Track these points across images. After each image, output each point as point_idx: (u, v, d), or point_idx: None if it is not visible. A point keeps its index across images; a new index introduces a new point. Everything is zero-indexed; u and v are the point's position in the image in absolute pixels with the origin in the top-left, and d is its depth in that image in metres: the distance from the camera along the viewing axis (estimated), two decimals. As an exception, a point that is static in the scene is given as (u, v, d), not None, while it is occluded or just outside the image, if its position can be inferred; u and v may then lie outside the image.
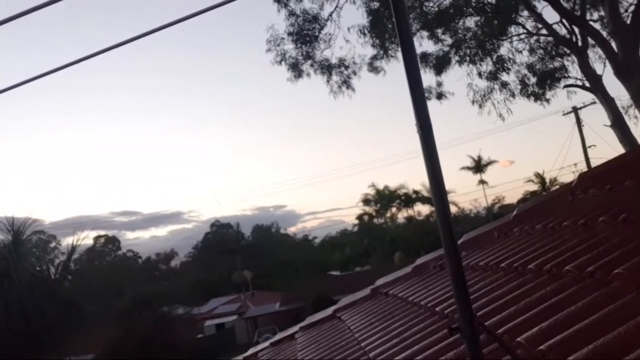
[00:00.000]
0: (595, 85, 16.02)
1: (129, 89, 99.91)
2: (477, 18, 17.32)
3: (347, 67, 18.06)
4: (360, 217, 57.63)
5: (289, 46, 17.62)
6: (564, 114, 32.99)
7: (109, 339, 25.23)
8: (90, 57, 3.65)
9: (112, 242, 71.31)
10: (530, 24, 17.70)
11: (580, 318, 2.25)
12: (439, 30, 17.42)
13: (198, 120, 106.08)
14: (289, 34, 17.39)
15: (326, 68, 17.87)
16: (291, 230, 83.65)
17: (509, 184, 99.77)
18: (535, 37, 17.90)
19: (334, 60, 17.92)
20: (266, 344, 6.77)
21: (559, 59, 17.90)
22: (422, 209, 56.42)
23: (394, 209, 56.97)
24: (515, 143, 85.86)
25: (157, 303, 30.35)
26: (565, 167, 49.52)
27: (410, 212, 57.14)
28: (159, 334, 27.00)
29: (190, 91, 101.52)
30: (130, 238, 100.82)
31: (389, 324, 4.11)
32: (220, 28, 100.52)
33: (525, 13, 17.14)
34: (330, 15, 17.33)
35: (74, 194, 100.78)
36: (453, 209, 52.21)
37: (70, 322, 20.83)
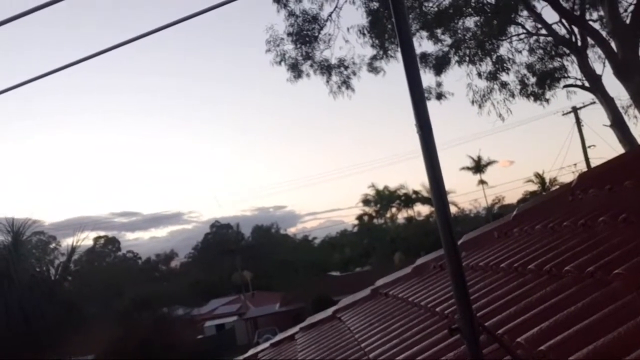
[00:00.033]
0: (594, 85, 16.03)
1: (128, 90, 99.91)
2: (477, 18, 17.33)
3: (346, 68, 18.08)
4: (360, 218, 57.67)
5: (289, 46, 17.65)
6: (563, 114, 33.03)
7: (109, 340, 25.21)
8: (90, 57, 3.65)
9: (112, 242, 71.32)
10: (529, 24, 17.72)
11: (581, 318, 2.25)
12: (439, 31, 17.43)
13: (198, 121, 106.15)
14: (289, 34, 17.41)
15: (326, 68, 17.87)
16: (291, 230, 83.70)
17: (509, 184, 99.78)
18: (534, 37, 17.91)
19: (333, 61, 17.95)
20: (266, 344, 6.77)
21: (559, 59, 17.91)
22: (422, 209, 56.51)
23: (393, 210, 57.03)
24: (515, 143, 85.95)
25: (157, 304, 30.35)
26: (565, 167, 49.65)
27: (410, 212, 57.21)
28: (159, 335, 26.99)
29: (190, 92, 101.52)
30: (130, 239, 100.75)
31: (389, 325, 4.11)
32: (220, 29, 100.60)
33: (525, 13, 17.15)
34: (330, 15, 17.35)
35: (74, 194, 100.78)
36: (453, 209, 52.21)
37: (70, 322, 20.84)
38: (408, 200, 56.18)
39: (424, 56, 17.85)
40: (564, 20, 16.46)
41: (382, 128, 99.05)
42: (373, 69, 18.30)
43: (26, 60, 73.62)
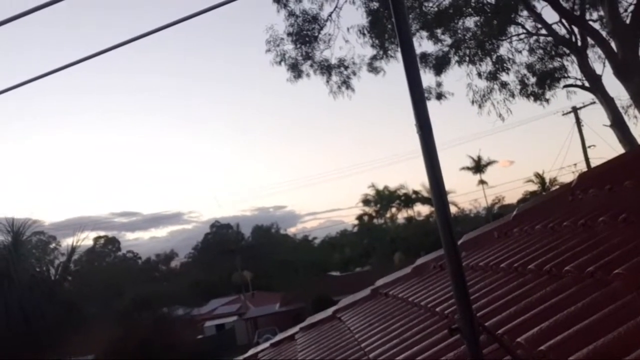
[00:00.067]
0: (594, 85, 16.03)
1: (128, 90, 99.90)
2: (477, 18, 17.33)
3: (346, 68, 18.08)
4: (360, 218, 57.69)
5: (289, 46, 17.65)
6: (563, 114, 33.02)
7: (109, 340, 25.22)
8: (90, 57, 3.65)
9: (112, 242, 71.30)
10: (529, 24, 17.72)
11: (581, 318, 2.25)
12: (439, 31, 17.43)
13: (198, 121, 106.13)
14: (289, 34, 17.41)
15: (326, 68, 17.87)
16: (291, 230, 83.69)
17: (509, 184, 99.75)
18: (534, 37, 17.91)
19: (333, 61, 17.95)
20: (266, 344, 6.77)
21: (559, 59, 17.91)
22: (422, 209, 56.52)
23: (393, 210, 57.04)
24: (514, 143, 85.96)
25: (157, 304, 30.35)
26: (565, 167, 49.64)
27: (410, 212, 57.22)
28: (159, 335, 27.00)
29: (189, 91, 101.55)
30: (130, 239, 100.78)
31: (389, 325, 4.11)
32: (220, 28, 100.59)
33: (525, 13, 17.15)
34: (330, 15, 17.35)
35: (74, 194, 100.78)
36: (453, 209, 52.21)
37: (71, 322, 20.84)
38: (408, 200, 56.19)
39: (424, 56, 17.85)
40: (564, 20, 16.46)
41: (382, 128, 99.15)
42: (373, 69, 18.31)
43: (25, 60, 73.64)
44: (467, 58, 17.75)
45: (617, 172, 4.31)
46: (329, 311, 6.18)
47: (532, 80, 17.98)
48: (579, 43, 16.38)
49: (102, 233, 69.43)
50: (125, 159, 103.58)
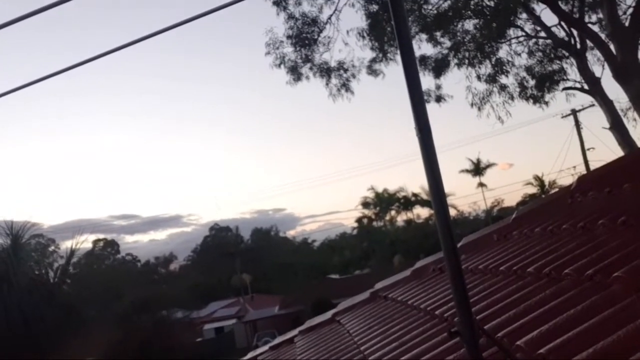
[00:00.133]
0: (594, 87, 16.05)
1: (128, 92, 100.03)
2: (476, 21, 17.34)
3: (346, 70, 18.09)
4: (359, 220, 57.72)
5: (288, 49, 17.67)
6: (562, 117, 33.03)
7: (108, 343, 25.15)
8: (89, 60, 3.65)
9: (111, 245, 71.24)
10: (528, 27, 17.75)
11: (580, 321, 2.25)
12: (438, 33, 17.45)
13: (197, 123, 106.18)
14: (288, 37, 17.42)
15: (325, 71, 17.88)
16: (290, 233, 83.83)
17: (508, 187, 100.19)
18: (534, 40, 17.93)
19: (333, 63, 17.96)
20: (265, 347, 6.76)
21: (558, 62, 17.92)
22: (422, 212, 56.53)
23: (393, 212, 57.06)
24: (514, 146, 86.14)
25: (156, 307, 30.27)
26: (564, 170, 49.55)
27: (409, 215, 57.23)
28: (158, 338, 26.94)
29: (189, 94, 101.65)
30: (129, 242, 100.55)
31: (389, 328, 4.10)
32: (220, 31, 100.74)
33: (524, 16, 17.18)
34: (329, 18, 17.37)
35: (73, 197, 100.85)
36: (452, 212, 52.20)
37: (70, 325, 20.79)
38: (407, 202, 56.21)
39: (423, 59, 17.87)
40: (563, 23, 16.49)
41: (381, 130, 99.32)
42: (372, 71, 18.33)
43: (25, 63, 73.70)
44: (467, 61, 17.76)
45: (616, 175, 4.31)
46: (328, 314, 6.17)
47: (532, 82, 18.00)
48: (578, 46, 16.40)
49: (101, 236, 69.48)
50: (125, 162, 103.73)
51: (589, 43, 16.22)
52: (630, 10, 14.95)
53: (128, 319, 28.01)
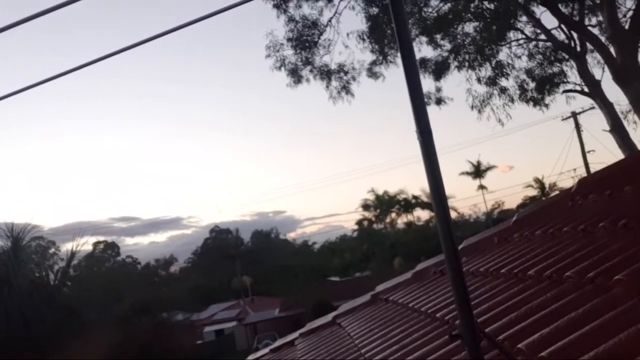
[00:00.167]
0: (594, 90, 16.05)
1: (128, 95, 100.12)
2: (476, 23, 17.35)
3: (346, 73, 18.10)
4: (359, 223, 57.64)
5: (289, 52, 17.68)
6: (563, 119, 32.99)
7: (109, 345, 25.13)
8: (90, 63, 3.66)
9: (111, 248, 71.15)
10: (529, 30, 17.74)
11: (581, 324, 2.24)
12: (438, 36, 17.45)
13: (197, 126, 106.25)
14: (289, 39, 17.43)
15: (325, 74, 17.89)
16: (290, 235, 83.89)
17: (509, 189, 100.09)
18: (534, 43, 17.94)
19: (333, 66, 17.97)
20: (266, 350, 6.76)
21: (558, 64, 17.92)
22: (422, 214, 56.45)
23: (393, 214, 56.98)
24: (514, 148, 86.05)
25: (157, 309, 30.25)
26: (564, 173, 49.46)
27: (409, 217, 57.15)
28: (158, 340, 26.90)
29: (189, 96, 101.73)
30: (130, 244, 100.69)
31: (389, 331, 4.10)
32: (221, 34, 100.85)
33: (524, 18, 17.17)
34: (330, 21, 17.38)
35: (73, 199, 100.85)
36: (452, 215, 52.16)
37: (70, 328, 20.79)
38: (408, 205, 56.14)
39: (424, 61, 17.87)
40: (563, 26, 16.50)
41: (381, 133, 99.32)
42: (373, 74, 18.34)
43: (26, 65, 73.76)
44: (467, 63, 17.77)
45: (616, 178, 4.31)
46: (329, 317, 6.17)
47: (532, 85, 18.00)
48: (578, 48, 16.41)
49: (101, 238, 69.36)
50: (125, 164, 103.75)
51: (589, 46, 16.23)
52: (630, 13, 14.96)
53: (128, 321, 27.98)
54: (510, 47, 17.87)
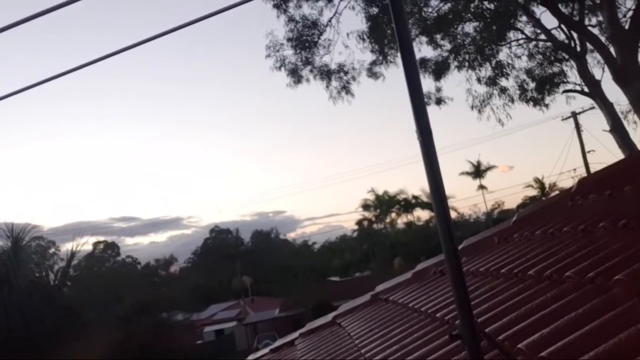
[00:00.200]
0: (594, 90, 16.05)
1: (128, 95, 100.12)
2: (476, 23, 17.36)
3: (346, 73, 18.11)
4: (359, 223, 57.66)
5: (289, 52, 17.68)
6: (563, 119, 32.99)
7: (109, 345, 25.13)
8: (90, 64, 3.66)
9: (111, 248, 71.13)
10: (529, 30, 17.75)
11: (581, 324, 2.24)
12: (438, 36, 17.46)
13: (197, 126, 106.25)
14: (289, 39, 17.44)
15: (325, 74, 17.90)
16: (290, 235, 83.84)
17: (509, 189, 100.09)
18: (534, 43, 17.95)
19: (333, 66, 17.98)
20: (266, 350, 6.76)
21: (558, 64, 17.93)
22: (422, 214, 56.48)
23: (393, 214, 57.00)
24: (514, 148, 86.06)
25: (157, 309, 30.25)
26: (564, 173, 49.48)
27: (409, 217, 57.17)
28: (158, 340, 26.90)
29: (189, 97, 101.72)
30: (130, 244, 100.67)
31: (389, 331, 4.10)
32: (220, 34, 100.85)
33: (524, 18, 17.18)
34: (330, 21, 17.39)
35: (73, 199, 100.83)
36: (452, 215, 52.14)
37: (70, 328, 20.79)
38: (408, 205, 56.15)
39: (424, 61, 17.88)
40: (563, 26, 16.50)
41: (381, 133, 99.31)
42: (373, 74, 18.35)
43: (25, 66, 73.77)
44: (467, 63, 17.77)
45: (616, 178, 4.31)
46: (329, 317, 6.17)
47: (532, 85, 18.01)
48: (578, 48, 16.41)
49: (101, 238, 69.34)
50: (125, 164, 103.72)
51: (589, 46, 16.23)
52: (630, 13, 14.97)
53: (128, 321, 27.98)
54: (510, 47, 17.89)
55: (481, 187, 54.17)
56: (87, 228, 74.81)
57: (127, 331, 26.57)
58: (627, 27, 14.36)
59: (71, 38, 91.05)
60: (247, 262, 60.00)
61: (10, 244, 21.17)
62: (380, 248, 53.90)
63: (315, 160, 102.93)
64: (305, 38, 17.42)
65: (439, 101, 18.61)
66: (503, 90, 17.96)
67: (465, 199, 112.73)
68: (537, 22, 16.62)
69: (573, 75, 17.56)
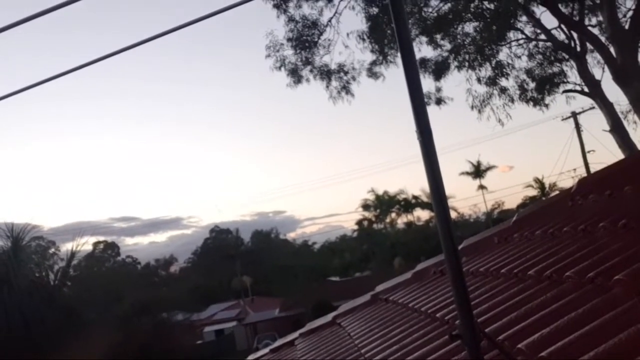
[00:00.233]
0: (594, 90, 16.05)
1: (128, 95, 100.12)
2: (476, 23, 17.36)
3: (346, 73, 18.11)
4: (359, 223, 57.66)
5: (289, 52, 17.68)
6: (563, 119, 32.99)
7: (109, 345, 25.13)
8: (90, 64, 3.66)
9: (111, 248, 71.13)
10: (529, 30, 17.75)
11: (581, 324, 2.24)
12: (438, 36, 17.46)
13: (197, 126, 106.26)
14: (289, 39, 17.44)
15: (325, 74, 17.90)
16: (290, 235, 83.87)
17: (509, 189, 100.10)
18: (534, 43, 17.94)
19: (333, 66, 17.98)
20: (266, 350, 6.76)
21: (558, 64, 17.93)
22: (422, 214, 56.48)
23: (393, 214, 57.00)
24: (514, 148, 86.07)
25: (157, 309, 30.25)
26: (564, 172, 49.50)
27: (410, 217, 57.16)
28: (159, 340, 26.90)
29: (189, 96, 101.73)
30: (130, 244, 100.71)
31: (389, 331, 4.10)
32: (220, 34, 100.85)
33: (524, 18, 17.18)
34: (330, 21, 17.39)
35: (73, 199, 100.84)
36: (452, 215, 52.13)
37: (70, 328, 20.78)
38: (408, 205, 56.15)
39: (424, 61, 17.88)
40: (563, 26, 16.50)
41: (381, 133, 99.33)
42: (372, 74, 18.35)
43: (25, 66, 73.77)
44: (467, 63, 17.77)
45: (616, 178, 4.31)
46: (329, 317, 6.17)
47: (532, 85, 18.01)
48: (578, 48, 16.41)
49: (101, 238, 69.34)
50: (125, 164, 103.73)
51: (589, 46, 16.23)
52: (630, 13, 14.97)
53: (128, 321, 27.98)
54: (510, 47, 17.89)
55: (481, 187, 54.20)
56: (87, 228, 74.87)
57: (127, 331, 26.57)
58: (627, 27, 14.36)
59: (71, 38, 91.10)
60: (247, 262, 60.00)
61: (10, 244, 21.17)
62: (380, 248, 53.90)
63: (315, 160, 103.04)
64: (305, 38, 17.42)
65: (439, 101, 18.61)
66: (503, 90, 17.96)
67: (465, 199, 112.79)
68: (537, 22, 16.62)
69: (573, 75, 17.59)
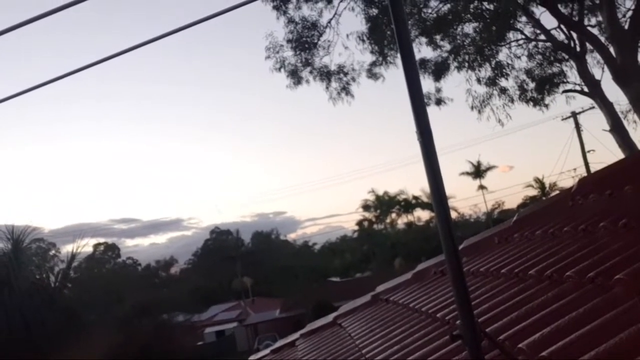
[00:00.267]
0: (593, 90, 16.05)
1: (128, 97, 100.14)
2: (476, 24, 17.36)
3: (346, 74, 18.12)
4: (360, 223, 57.69)
5: (288, 53, 17.69)
6: (562, 119, 32.98)
7: (109, 346, 25.12)
8: (90, 66, 3.66)
9: (112, 249, 71.16)
10: (528, 30, 17.75)
11: (582, 324, 2.25)
12: (438, 37, 17.46)
13: (197, 127, 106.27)
14: (288, 41, 17.44)
15: (325, 75, 17.90)
16: (291, 236, 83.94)
17: (509, 189, 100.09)
18: (533, 43, 17.94)
19: (333, 67, 17.99)
20: (266, 351, 6.76)
21: (558, 65, 17.93)
22: (422, 215, 56.51)
23: (393, 215, 57.02)
24: (514, 148, 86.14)
25: (157, 310, 30.24)
26: (564, 172, 49.50)
27: (410, 217, 57.18)
28: (159, 342, 26.89)
29: (189, 98, 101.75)
30: (130, 245, 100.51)
31: (390, 331, 4.10)
32: (220, 35, 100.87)
33: (524, 19, 17.18)
34: (329, 22, 17.40)
35: (74, 201, 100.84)
36: (453, 215, 52.11)
37: (70, 329, 20.78)
38: (408, 205, 56.18)
39: (423, 62, 17.88)
40: (562, 26, 16.50)
41: (381, 134, 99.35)
42: (372, 75, 18.35)
43: (25, 68, 73.79)
44: (466, 64, 17.77)
45: (617, 177, 4.31)
46: (330, 317, 6.17)
47: (531, 85, 18.00)
48: (578, 48, 16.41)
49: (101, 240, 69.38)
50: (125, 166, 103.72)
51: (588, 46, 16.23)
52: (630, 13, 14.97)
53: (129, 322, 27.97)
54: (509, 48, 17.89)
55: (481, 187, 54.20)
56: (87, 230, 74.53)
57: (127, 332, 26.56)
58: (626, 27, 14.36)
59: (71, 40, 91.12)
60: (248, 263, 59.98)
61: (10, 246, 21.16)
62: (380, 248, 53.93)
63: (316, 161, 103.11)
64: (305, 39, 17.42)
65: (438, 102, 18.62)
66: (503, 90, 17.96)
67: (465, 199, 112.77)
68: (536, 23, 16.62)
69: (573, 75, 17.58)
